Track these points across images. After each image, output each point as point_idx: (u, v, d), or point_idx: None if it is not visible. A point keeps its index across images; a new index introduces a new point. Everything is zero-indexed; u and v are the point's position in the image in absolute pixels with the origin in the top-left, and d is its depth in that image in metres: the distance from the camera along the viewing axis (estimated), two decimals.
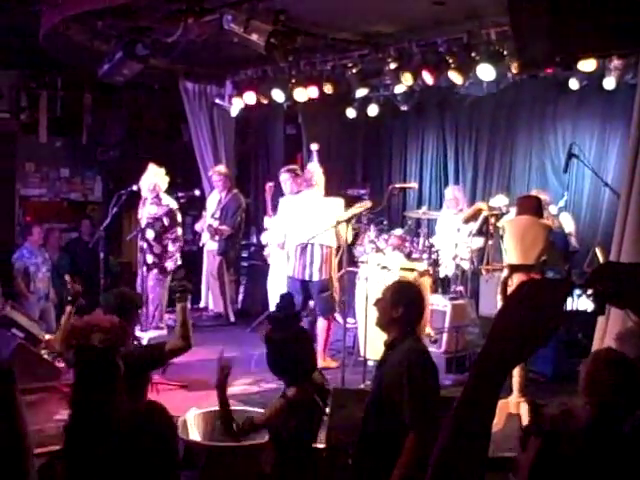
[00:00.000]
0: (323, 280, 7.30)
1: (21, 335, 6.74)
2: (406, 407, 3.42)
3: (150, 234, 7.92)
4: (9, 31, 8.20)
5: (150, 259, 7.96)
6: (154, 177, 7.99)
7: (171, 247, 8.02)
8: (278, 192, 8.56)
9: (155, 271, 7.99)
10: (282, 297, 4.15)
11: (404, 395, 3.43)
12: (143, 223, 8.02)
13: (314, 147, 9.28)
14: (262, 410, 3.98)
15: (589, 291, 1.36)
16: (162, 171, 8.06)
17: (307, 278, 7.36)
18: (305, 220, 7.32)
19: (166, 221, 7.96)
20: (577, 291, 1.36)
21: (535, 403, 2.56)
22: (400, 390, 3.45)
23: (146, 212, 8.03)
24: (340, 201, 7.44)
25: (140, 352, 4.33)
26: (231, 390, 5.48)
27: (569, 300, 1.35)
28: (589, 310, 1.37)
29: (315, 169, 7.78)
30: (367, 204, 7.43)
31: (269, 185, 8.71)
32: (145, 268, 8.02)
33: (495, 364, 1.32)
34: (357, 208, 7.16)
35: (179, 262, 8.14)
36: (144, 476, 2.48)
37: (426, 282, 7.17)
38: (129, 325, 4.34)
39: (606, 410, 2.69)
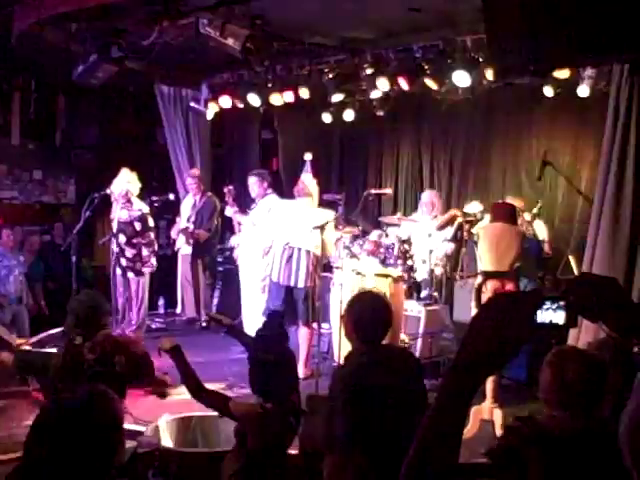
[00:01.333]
0: (308, 287, 7.26)
1: None
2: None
3: (122, 238, 7.89)
4: None
5: (124, 262, 7.94)
6: (126, 183, 7.96)
7: (145, 252, 8.00)
8: (247, 195, 8.54)
9: (131, 274, 7.97)
10: (270, 315, 4.11)
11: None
12: (115, 227, 7.99)
13: (308, 157, 9.24)
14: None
15: (560, 303, 1.37)
16: (134, 176, 8.03)
17: (292, 284, 7.32)
18: (294, 227, 7.27)
19: (138, 226, 7.93)
20: (548, 303, 1.37)
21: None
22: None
23: (117, 216, 8.01)
24: (331, 213, 7.38)
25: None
26: None
27: (539, 312, 1.36)
28: (560, 322, 1.37)
29: (308, 180, 7.75)
30: (354, 231, 7.55)
31: (228, 188, 8.60)
32: (120, 271, 7.99)
33: (467, 374, 1.33)
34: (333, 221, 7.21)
35: (155, 266, 8.12)
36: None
37: (400, 288, 7.19)
38: (99, 329, 4.30)
39: (589, 414, 2.69)
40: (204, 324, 9.25)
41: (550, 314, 1.36)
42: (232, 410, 3.67)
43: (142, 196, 8.18)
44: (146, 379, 3.31)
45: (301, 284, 7.27)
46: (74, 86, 8.70)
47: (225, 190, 8.53)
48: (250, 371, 3.75)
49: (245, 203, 8.75)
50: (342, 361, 3.88)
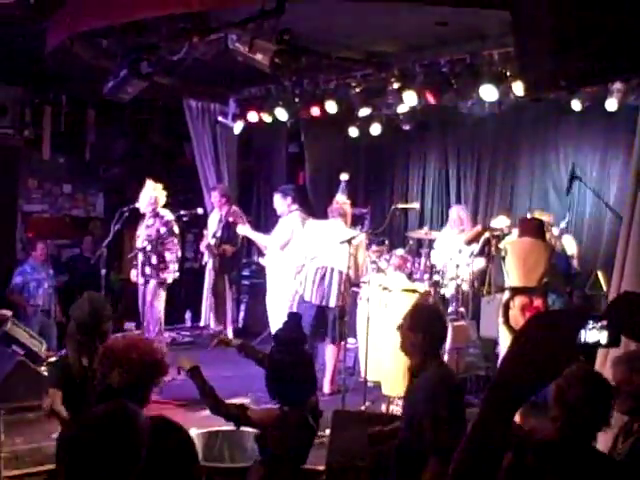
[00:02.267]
0: (340, 306, 7.24)
1: (21, 352, 6.70)
2: (428, 435, 3.45)
3: (148, 247, 7.90)
4: (14, 47, 8.23)
5: (148, 270, 7.92)
6: (153, 191, 8.00)
7: (168, 256, 7.97)
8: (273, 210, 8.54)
9: (153, 283, 7.94)
10: (290, 316, 4.09)
11: (426, 423, 3.46)
12: (140, 241, 8.01)
13: (344, 177, 9.25)
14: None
15: (602, 322, 1.35)
16: (160, 186, 8.06)
17: (324, 304, 7.31)
18: (328, 247, 7.25)
19: (162, 230, 7.93)
20: (591, 322, 1.35)
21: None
22: (425, 419, 3.48)
23: (144, 227, 8.04)
24: (362, 235, 7.36)
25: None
26: None
27: (583, 331, 1.34)
28: (603, 342, 1.35)
29: (343, 200, 7.76)
30: (383, 251, 7.56)
31: (233, 209, 8.56)
32: (143, 280, 7.96)
33: (507, 396, 1.31)
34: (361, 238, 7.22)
35: (176, 273, 8.08)
36: None
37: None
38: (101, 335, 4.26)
39: (574, 424, 2.70)
40: (230, 338, 9.28)
41: (595, 334, 1.34)
42: (251, 417, 3.67)
43: (172, 210, 8.22)
44: (160, 376, 3.26)
45: (332, 304, 7.26)
46: (104, 101, 8.79)
47: (231, 211, 8.51)
48: (267, 375, 3.75)
49: (272, 217, 8.78)
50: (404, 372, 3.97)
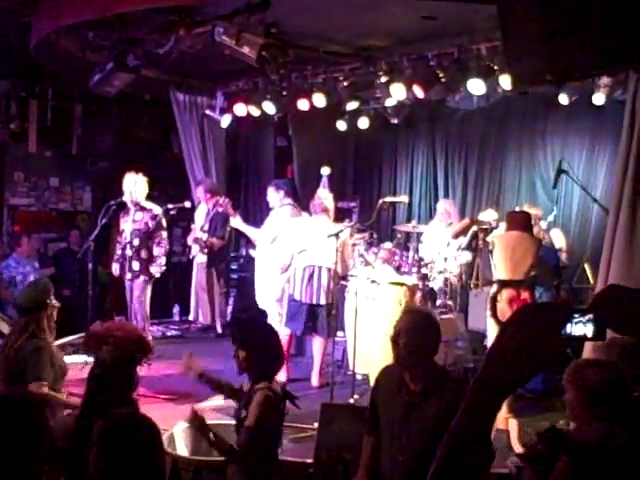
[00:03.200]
0: (329, 304, 7.23)
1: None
2: None
3: (136, 242, 7.86)
4: (0, 40, 8.18)
5: (137, 266, 7.87)
6: (133, 185, 7.93)
7: (156, 251, 7.94)
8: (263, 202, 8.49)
9: (141, 278, 7.90)
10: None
11: None
12: (127, 234, 7.94)
13: (325, 171, 9.21)
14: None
15: (588, 316, 1.35)
16: (140, 178, 7.97)
17: (315, 302, 7.30)
18: (313, 245, 7.23)
19: (151, 224, 7.89)
20: (577, 315, 1.35)
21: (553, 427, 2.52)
22: None
23: (130, 221, 7.97)
24: (348, 230, 7.33)
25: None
26: (216, 403, 5.46)
27: (569, 325, 1.34)
28: (589, 335, 1.35)
29: (325, 195, 7.71)
30: (365, 236, 7.53)
31: (223, 200, 8.44)
32: (130, 275, 7.91)
33: (492, 390, 1.31)
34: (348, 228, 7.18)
35: (164, 268, 8.04)
36: None
37: (414, 297, 7.17)
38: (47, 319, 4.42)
39: (620, 423, 2.68)
40: (219, 331, 9.27)
41: (580, 327, 1.34)
42: (257, 425, 3.64)
43: (157, 202, 8.19)
44: (145, 353, 3.33)
45: (322, 301, 7.26)
46: (90, 94, 8.75)
47: (220, 202, 8.41)
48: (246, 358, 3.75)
49: (260, 211, 8.76)
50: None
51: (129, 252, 7.88)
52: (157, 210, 8.01)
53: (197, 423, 3.64)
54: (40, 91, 10.22)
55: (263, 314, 7.69)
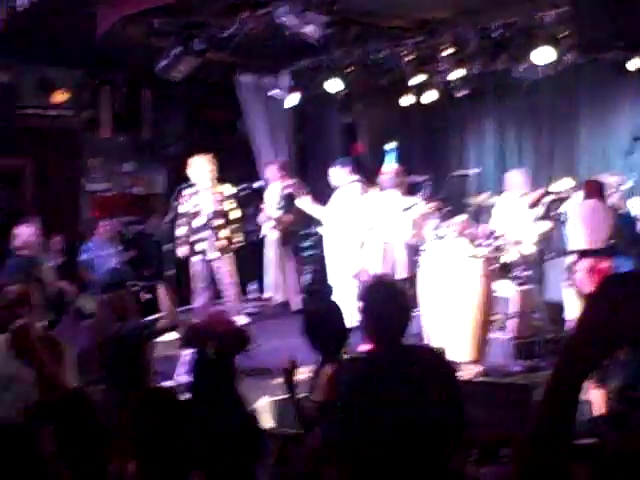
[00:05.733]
0: (407, 278, 7.25)
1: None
2: None
3: (215, 222, 7.89)
4: (69, 31, 8.37)
5: (220, 244, 7.84)
6: (204, 167, 7.97)
7: (231, 230, 7.97)
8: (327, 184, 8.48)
9: (226, 255, 7.90)
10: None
11: None
12: (204, 217, 7.98)
13: (391, 147, 9.14)
14: None
15: None
16: (211, 159, 7.96)
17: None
18: (387, 219, 7.23)
19: (226, 205, 7.92)
20: None
21: None
22: None
23: (207, 202, 7.99)
24: (422, 204, 7.28)
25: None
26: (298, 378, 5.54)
27: None
28: None
29: (393, 169, 7.67)
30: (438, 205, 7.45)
31: (293, 182, 8.37)
32: (213, 256, 7.82)
33: (579, 361, 1.31)
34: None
35: (239, 245, 8.03)
36: None
37: (490, 269, 7.09)
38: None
39: None
40: (294, 308, 9.36)
41: None
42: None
43: (227, 184, 8.27)
44: (244, 345, 3.55)
45: (400, 276, 7.27)
46: (158, 80, 8.91)
47: (290, 183, 8.40)
48: (302, 325, 3.80)
49: (329, 189, 8.78)
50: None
51: (207, 233, 7.87)
52: (230, 190, 8.08)
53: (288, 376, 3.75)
54: (111, 78, 10.44)
55: (328, 290, 7.70)
